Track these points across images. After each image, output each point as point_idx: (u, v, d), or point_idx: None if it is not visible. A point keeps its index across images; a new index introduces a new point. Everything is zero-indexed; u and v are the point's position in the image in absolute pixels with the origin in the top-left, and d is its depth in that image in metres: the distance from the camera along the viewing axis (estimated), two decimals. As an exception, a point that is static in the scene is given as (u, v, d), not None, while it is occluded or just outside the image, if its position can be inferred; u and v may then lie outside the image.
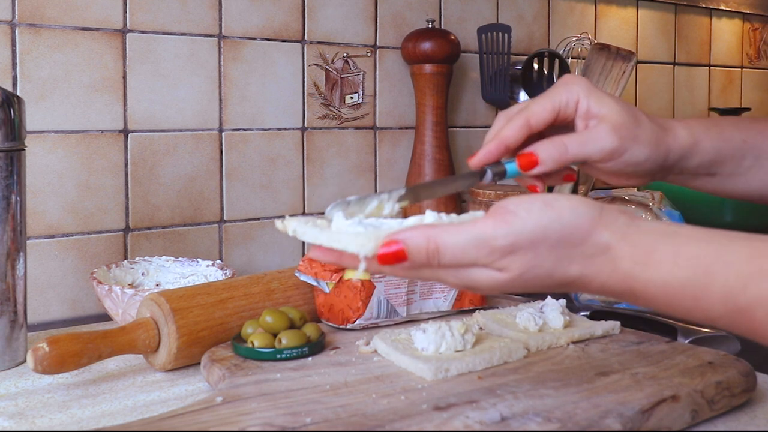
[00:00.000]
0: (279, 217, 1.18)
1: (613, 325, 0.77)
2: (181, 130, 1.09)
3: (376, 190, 1.29)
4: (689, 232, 0.49)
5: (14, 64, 0.96)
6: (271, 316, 0.71)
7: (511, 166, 0.62)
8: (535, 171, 0.61)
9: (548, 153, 0.60)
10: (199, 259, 0.95)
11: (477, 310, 0.86)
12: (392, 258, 0.49)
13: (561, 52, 1.40)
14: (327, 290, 0.80)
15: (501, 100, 1.38)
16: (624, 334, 0.77)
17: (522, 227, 0.49)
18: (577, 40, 1.46)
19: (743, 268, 0.46)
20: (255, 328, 0.72)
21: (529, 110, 0.62)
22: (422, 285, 0.82)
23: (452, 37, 1.27)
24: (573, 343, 0.74)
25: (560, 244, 0.49)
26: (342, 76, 1.24)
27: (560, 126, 0.64)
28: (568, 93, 0.63)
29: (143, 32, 1.05)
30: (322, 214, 1.26)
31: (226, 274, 0.91)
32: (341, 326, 0.79)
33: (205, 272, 0.94)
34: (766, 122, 0.69)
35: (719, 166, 0.67)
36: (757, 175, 0.69)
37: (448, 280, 0.51)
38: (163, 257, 0.96)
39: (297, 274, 0.82)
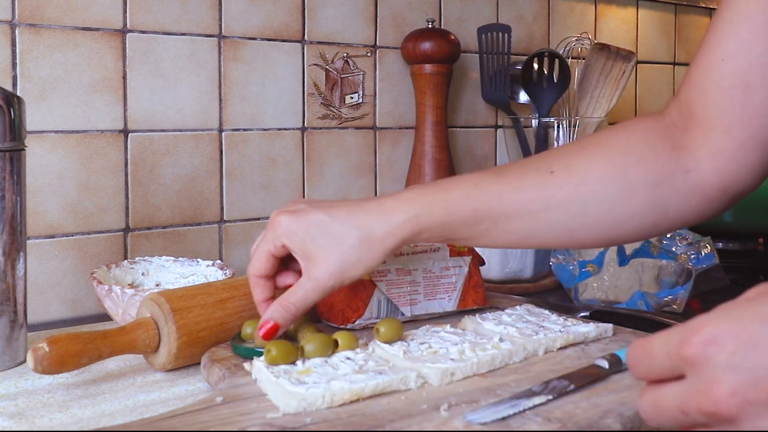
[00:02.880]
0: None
1: (606, 328, 0.77)
2: (181, 130, 1.09)
3: (375, 190, 1.29)
4: None
5: (14, 64, 0.96)
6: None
7: (624, 354, 0.64)
8: (279, 333, 0.68)
9: (282, 316, 0.68)
10: (199, 259, 0.95)
11: (477, 311, 0.86)
12: None
13: (561, 52, 1.40)
14: (327, 290, 0.80)
15: (501, 100, 1.38)
16: (624, 334, 0.77)
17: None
18: (577, 40, 1.46)
19: None
20: (254, 328, 0.72)
21: (252, 266, 0.71)
22: (426, 285, 0.82)
23: (452, 37, 1.27)
24: (569, 346, 0.74)
25: None
26: (342, 76, 1.24)
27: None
28: (273, 240, 0.69)
29: (143, 32, 1.05)
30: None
31: (226, 274, 0.91)
32: (341, 326, 0.79)
33: (205, 272, 0.94)
34: (499, 182, 0.70)
35: (452, 234, 0.69)
36: (497, 236, 0.70)
37: None
38: (163, 257, 0.96)
39: (297, 274, 0.82)
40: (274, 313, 0.68)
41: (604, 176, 0.69)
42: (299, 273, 0.71)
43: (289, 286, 0.71)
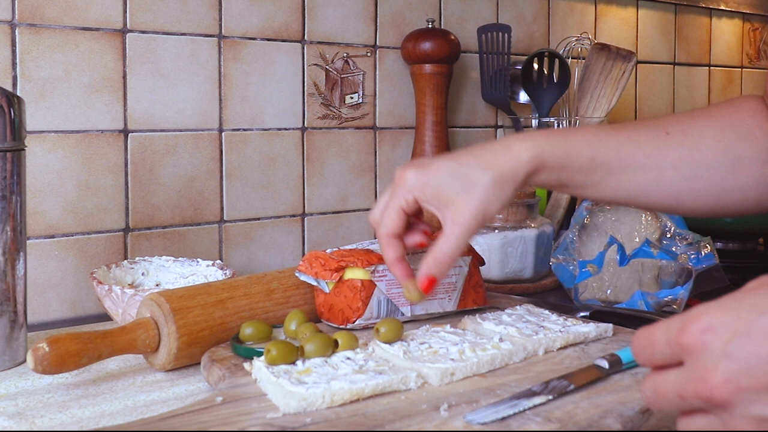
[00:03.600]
0: (279, 217, 1.18)
1: (606, 328, 0.77)
2: (181, 130, 1.09)
3: (376, 190, 1.29)
4: None
5: (14, 64, 0.96)
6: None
7: (624, 353, 0.66)
8: (437, 285, 0.70)
9: (438, 268, 0.69)
10: (199, 259, 0.95)
11: (477, 311, 0.86)
12: None
13: (561, 52, 1.40)
14: (327, 290, 0.80)
15: (501, 100, 1.38)
16: (624, 334, 0.77)
17: None
18: (577, 40, 1.46)
19: None
20: (254, 328, 0.72)
21: (385, 225, 0.71)
22: (424, 285, 0.82)
23: (452, 37, 1.27)
24: (569, 346, 0.74)
25: None
26: (342, 76, 1.24)
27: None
28: (405, 195, 0.69)
29: (143, 32, 1.05)
30: (322, 214, 1.26)
31: (226, 274, 0.91)
32: (341, 326, 0.79)
33: (205, 272, 0.94)
34: (618, 135, 0.71)
35: (568, 179, 0.71)
36: (609, 187, 0.71)
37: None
38: (163, 257, 0.96)
39: (297, 274, 0.82)
40: (431, 267, 0.69)
41: (715, 145, 0.71)
42: (423, 232, 0.73)
43: (419, 245, 0.73)
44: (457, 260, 0.70)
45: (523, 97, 1.42)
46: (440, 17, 1.36)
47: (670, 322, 0.45)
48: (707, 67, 1.90)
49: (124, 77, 1.04)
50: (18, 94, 0.92)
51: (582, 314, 0.90)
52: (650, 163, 0.70)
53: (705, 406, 0.43)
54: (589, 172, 0.70)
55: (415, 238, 0.73)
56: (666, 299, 0.98)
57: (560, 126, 1.34)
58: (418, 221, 0.74)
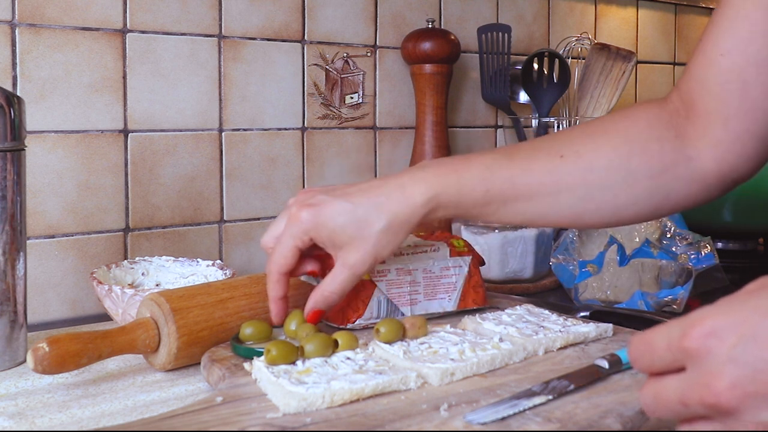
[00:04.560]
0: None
1: (606, 328, 0.77)
2: (181, 130, 1.09)
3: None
4: None
5: (14, 64, 0.96)
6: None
7: (624, 353, 0.66)
8: (323, 317, 0.73)
9: (324, 302, 0.71)
10: (199, 259, 0.95)
11: (477, 311, 0.86)
12: None
13: (561, 52, 1.40)
14: (327, 290, 0.80)
15: (501, 100, 1.38)
16: (624, 334, 0.77)
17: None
18: (577, 40, 1.46)
19: None
20: (254, 328, 0.72)
21: (277, 263, 0.71)
22: (426, 285, 0.82)
23: (452, 37, 1.27)
24: (569, 346, 0.74)
25: None
26: (342, 76, 1.24)
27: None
28: (300, 235, 0.70)
29: (143, 32, 1.05)
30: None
31: (226, 274, 0.91)
32: (341, 326, 0.79)
33: (205, 272, 0.94)
34: (511, 165, 0.72)
35: (465, 213, 0.72)
36: (506, 215, 0.73)
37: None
38: (163, 257, 0.96)
39: (297, 274, 0.82)
40: (318, 301, 0.71)
41: (609, 164, 0.72)
42: (316, 258, 0.75)
43: (311, 272, 0.75)
44: (342, 296, 0.72)
45: (523, 97, 1.42)
46: (440, 17, 1.36)
47: (670, 327, 0.43)
48: (707, 67, 1.90)
49: (124, 77, 1.04)
50: (18, 94, 0.92)
51: (582, 314, 0.90)
52: (545, 191, 0.72)
53: (709, 413, 0.41)
54: (484, 206, 0.72)
55: (307, 267, 0.75)
56: (666, 299, 0.98)
57: (559, 126, 1.34)
58: (313, 249, 0.74)
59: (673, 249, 1.04)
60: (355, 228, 0.69)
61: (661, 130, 0.73)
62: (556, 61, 1.35)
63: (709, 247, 1.05)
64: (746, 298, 0.42)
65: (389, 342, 0.69)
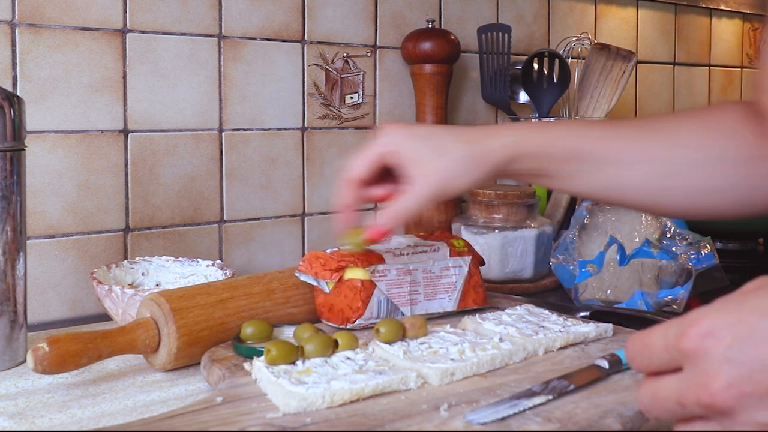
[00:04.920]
0: (279, 217, 1.18)
1: (606, 328, 0.77)
2: (181, 130, 1.09)
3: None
4: None
5: (14, 64, 0.96)
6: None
7: (622, 353, 0.66)
8: (387, 237, 0.72)
9: (389, 220, 0.70)
10: (199, 259, 0.95)
11: (477, 311, 0.86)
12: None
13: (561, 52, 1.40)
14: (327, 290, 0.80)
15: (501, 100, 1.38)
16: (624, 334, 0.77)
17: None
18: (577, 40, 1.46)
19: None
20: (255, 327, 0.72)
21: (354, 168, 0.72)
22: (426, 285, 0.82)
23: (452, 37, 1.27)
24: (569, 346, 0.74)
25: None
26: (342, 76, 1.24)
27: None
28: (388, 144, 0.71)
29: (143, 32, 1.05)
30: (322, 214, 1.26)
31: (226, 274, 0.91)
32: (341, 326, 0.79)
33: (205, 272, 0.94)
34: (597, 128, 0.71)
35: (550, 169, 0.71)
36: (586, 180, 0.71)
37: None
38: (163, 257, 0.96)
39: (297, 274, 0.82)
40: (386, 220, 0.70)
41: (698, 143, 0.70)
42: (391, 190, 0.74)
43: (381, 198, 0.74)
44: (408, 216, 0.71)
45: (523, 97, 1.42)
46: (440, 17, 1.36)
47: (668, 327, 0.43)
48: (707, 67, 1.90)
49: (124, 77, 1.04)
50: (18, 94, 0.92)
51: (582, 314, 0.90)
52: (628, 157, 0.70)
53: (706, 413, 0.41)
54: (567, 162, 0.70)
55: (378, 191, 0.74)
56: (666, 299, 0.98)
57: (560, 126, 1.34)
58: (393, 182, 0.74)
59: (673, 249, 1.04)
60: (433, 148, 0.69)
61: (753, 124, 0.71)
62: (556, 61, 1.35)
63: (709, 247, 1.04)
64: (743, 298, 0.42)
65: (389, 342, 0.69)
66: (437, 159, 0.69)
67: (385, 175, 0.74)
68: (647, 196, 0.71)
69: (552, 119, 1.34)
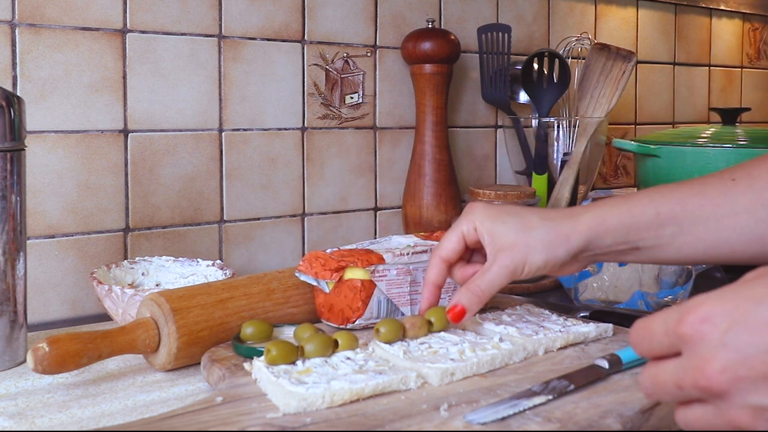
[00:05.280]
0: (279, 217, 1.18)
1: (606, 328, 0.77)
2: (181, 130, 1.09)
3: (376, 190, 1.29)
4: None
5: (14, 64, 0.96)
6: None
7: (624, 353, 0.66)
8: (467, 317, 0.70)
9: (468, 300, 0.69)
10: (199, 259, 0.95)
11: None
12: None
13: (561, 52, 1.40)
14: (327, 290, 0.80)
15: (501, 100, 1.38)
16: (624, 334, 0.77)
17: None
18: (577, 40, 1.46)
19: None
20: (255, 327, 0.72)
21: (440, 247, 0.73)
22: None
23: (452, 37, 1.27)
24: (569, 346, 0.74)
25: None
26: (342, 76, 1.24)
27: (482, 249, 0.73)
28: (468, 223, 0.72)
29: (143, 32, 1.05)
30: (322, 214, 1.26)
31: (226, 274, 0.91)
32: (341, 326, 0.79)
33: (205, 272, 0.94)
34: (680, 188, 0.70)
35: (637, 240, 0.69)
36: (685, 243, 0.69)
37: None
38: (163, 257, 0.96)
39: (297, 274, 0.82)
40: (462, 297, 0.70)
41: None
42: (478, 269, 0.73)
43: (466, 278, 0.74)
44: (490, 295, 0.70)
45: (523, 97, 1.42)
46: (440, 17, 1.36)
47: (669, 313, 0.45)
48: (707, 67, 1.90)
49: (124, 77, 1.04)
50: (18, 94, 0.92)
51: (582, 314, 0.90)
52: (721, 212, 0.68)
53: (703, 396, 0.43)
54: (658, 228, 0.68)
55: (467, 271, 0.74)
56: (666, 299, 0.98)
57: (560, 126, 1.34)
58: (477, 262, 0.75)
59: (673, 249, 1.04)
60: (515, 225, 0.69)
61: None
62: (556, 61, 1.35)
63: (709, 247, 1.04)
64: (741, 286, 0.44)
65: (389, 342, 0.69)
66: (516, 236, 0.69)
67: (474, 253, 0.76)
68: (750, 244, 0.69)
69: (552, 119, 1.34)
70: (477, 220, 0.71)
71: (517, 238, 0.69)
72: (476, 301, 0.69)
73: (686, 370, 0.43)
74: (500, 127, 1.45)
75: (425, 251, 0.83)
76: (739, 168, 0.71)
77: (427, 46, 1.25)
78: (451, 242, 0.73)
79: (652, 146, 1.37)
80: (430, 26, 1.28)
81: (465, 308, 0.69)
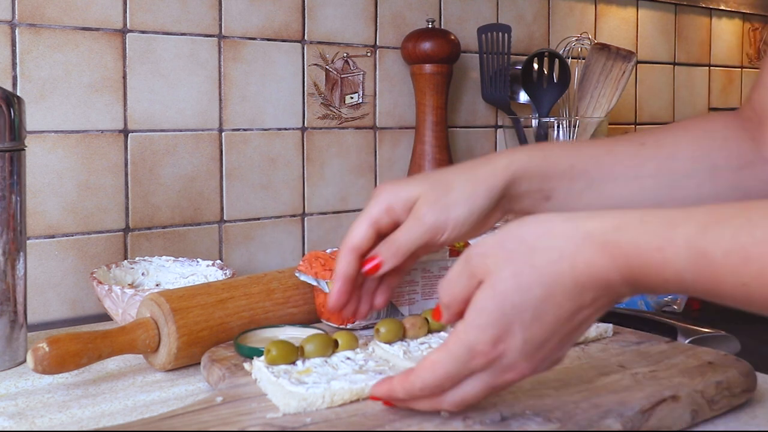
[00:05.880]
0: (279, 217, 1.18)
1: (606, 328, 0.77)
2: (181, 130, 1.09)
3: (376, 190, 1.29)
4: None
5: (14, 64, 0.96)
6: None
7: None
8: (382, 270, 0.67)
9: (385, 253, 0.67)
10: (199, 259, 0.96)
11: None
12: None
13: (561, 52, 1.40)
14: (327, 290, 0.80)
15: (501, 100, 1.38)
16: (624, 334, 0.77)
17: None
18: (577, 40, 1.46)
19: (702, 219, 0.47)
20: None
21: (349, 237, 0.68)
22: (424, 285, 0.82)
23: (452, 37, 1.27)
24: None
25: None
26: (342, 76, 1.24)
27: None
28: (377, 205, 0.68)
29: (143, 32, 1.05)
30: (322, 214, 1.26)
31: (226, 274, 0.91)
32: (341, 326, 0.79)
33: (205, 272, 0.94)
34: (595, 146, 0.72)
35: (550, 189, 0.70)
36: (592, 198, 0.70)
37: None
38: (163, 257, 0.96)
39: (297, 274, 0.82)
40: (380, 250, 0.67)
41: (692, 155, 0.72)
42: None
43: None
44: (410, 250, 0.67)
45: (523, 97, 1.42)
46: (440, 17, 1.36)
47: (458, 261, 0.54)
48: (707, 67, 1.90)
49: (124, 77, 1.04)
50: (18, 94, 0.92)
51: (582, 314, 0.90)
52: (629, 173, 0.71)
53: (479, 284, 0.52)
54: (570, 181, 0.70)
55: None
56: (666, 299, 0.98)
57: (560, 126, 1.34)
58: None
59: (673, 249, 1.04)
60: (430, 184, 0.67)
61: (738, 131, 0.73)
62: (556, 61, 1.35)
63: (709, 247, 1.04)
64: (509, 226, 0.55)
65: (389, 342, 0.69)
66: (433, 192, 0.67)
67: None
68: (653, 206, 0.72)
69: (552, 119, 1.34)
70: (390, 198, 0.67)
71: (434, 193, 0.67)
72: (392, 255, 0.66)
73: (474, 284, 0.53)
74: (500, 127, 1.45)
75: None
76: (649, 134, 0.73)
77: (427, 46, 1.25)
78: (360, 230, 0.67)
79: (652, 146, 1.37)
80: (430, 26, 1.28)
81: (381, 262, 0.67)
